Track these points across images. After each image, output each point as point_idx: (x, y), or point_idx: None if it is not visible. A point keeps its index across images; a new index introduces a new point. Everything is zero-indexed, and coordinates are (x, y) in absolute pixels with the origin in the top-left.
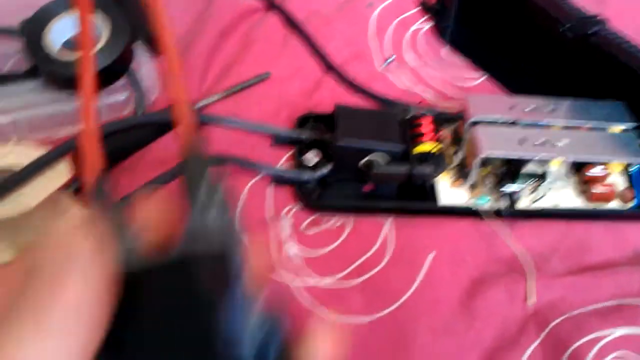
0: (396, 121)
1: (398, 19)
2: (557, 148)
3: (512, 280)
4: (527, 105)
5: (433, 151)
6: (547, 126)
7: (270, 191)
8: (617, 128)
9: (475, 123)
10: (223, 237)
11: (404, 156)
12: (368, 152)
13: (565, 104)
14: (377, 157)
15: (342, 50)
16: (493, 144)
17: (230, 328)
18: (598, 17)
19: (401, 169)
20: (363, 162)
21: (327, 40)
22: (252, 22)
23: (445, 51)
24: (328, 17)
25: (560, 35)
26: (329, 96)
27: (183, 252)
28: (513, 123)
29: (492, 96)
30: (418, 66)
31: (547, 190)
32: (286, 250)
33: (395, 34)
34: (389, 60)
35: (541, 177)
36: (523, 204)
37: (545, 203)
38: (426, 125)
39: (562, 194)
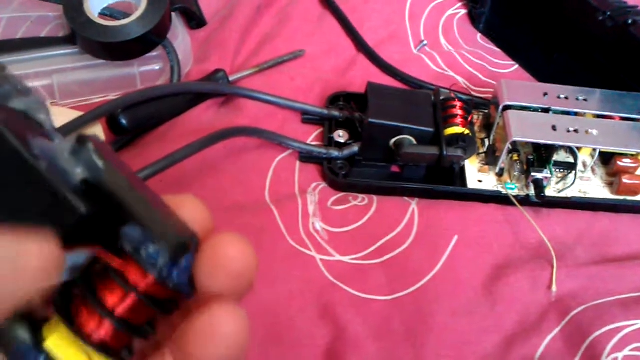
0: (428, 103)
1: (434, 2)
2: (588, 137)
3: (535, 267)
4: (560, 93)
5: (463, 134)
6: (579, 115)
7: (298, 167)
8: None
9: (507, 108)
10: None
11: (434, 138)
12: (398, 131)
13: (597, 94)
14: (407, 137)
15: (377, 31)
16: (524, 129)
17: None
18: (637, 7)
19: (431, 150)
20: (393, 142)
21: (363, 20)
22: (285, 1)
23: (479, 37)
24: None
25: (599, 23)
26: (362, 76)
27: None
28: (545, 110)
29: (525, 83)
30: (452, 51)
31: (575, 179)
32: (312, 224)
33: (430, 18)
34: (422, 44)
35: (570, 166)
36: (550, 192)
37: (572, 192)
38: (458, 109)
39: (589, 184)
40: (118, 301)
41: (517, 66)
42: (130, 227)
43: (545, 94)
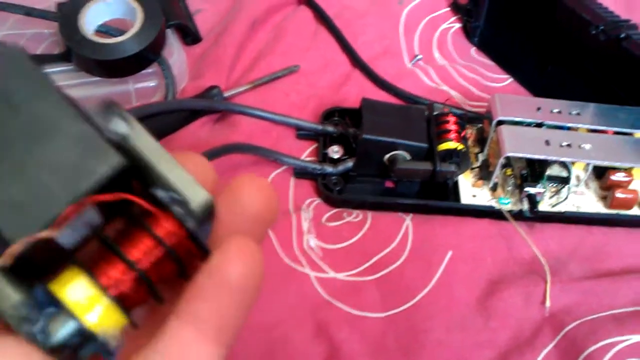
0: (422, 118)
1: (428, 17)
2: (581, 151)
3: (529, 282)
4: (553, 107)
5: (457, 149)
6: (573, 129)
7: (292, 183)
8: None
9: (500, 122)
10: None
11: (428, 153)
12: (393, 147)
13: (591, 108)
14: (401, 153)
15: (371, 46)
16: (517, 144)
17: None
18: (630, 22)
19: (425, 165)
20: (387, 157)
21: (357, 35)
22: (284, 15)
23: (473, 51)
24: (359, 12)
25: (593, 37)
26: (357, 91)
27: None
28: (538, 125)
29: (519, 97)
30: (446, 65)
31: (569, 194)
32: (306, 241)
33: (425, 32)
34: (416, 59)
35: (563, 181)
36: (544, 206)
37: (566, 207)
38: (451, 124)
39: (583, 199)
40: (144, 253)
41: (511, 80)
42: (159, 189)
43: (539, 109)
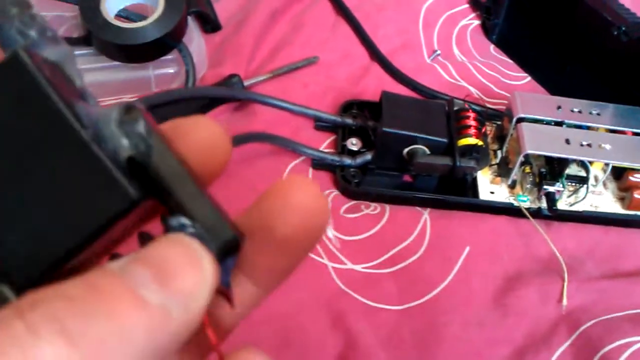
0: (442, 113)
1: (448, 13)
2: (601, 151)
3: (546, 280)
4: (573, 106)
5: (477, 145)
6: (592, 129)
7: (311, 174)
8: None
9: (520, 120)
10: None
11: (448, 148)
12: (412, 140)
13: (610, 109)
14: (421, 147)
15: (391, 39)
16: (537, 142)
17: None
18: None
19: (444, 160)
20: (406, 151)
21: (377, 28)
22: (304, 6)
23: (492, 49)
24: (379, 5)
25: (614, 38)
26: (375, 84)
27: None
28: (558, 123)
29: (539, 95)
30: (465, 61)
31: (587, 193)
32: (324, 232)
33: (444, 28)
34: (435, 54)
35: (582, 180)
36: (562, 205)
37: (584, 206)
38: (471, 120)
39: (601, 199)
40: None
41: (529, 78)
42: (176, 219)
43: (559, 107)
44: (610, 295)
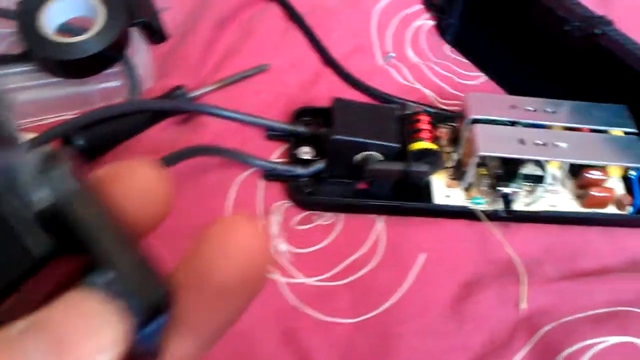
0: (394, 117)
1: (401, 13)
2: (556, 150)
3: (504, 283)
4: (528, 105)
5: (430, 149)
6: (547, 127)
7: (261, 185)
8: (619, 132)
9: (474, 121)
10: None
11: (401, 153)
12: (364, 147)
13: (566, 106)
14: (373, 154)
15: (343, 43)
16: (491, 143)
17: None
18: (605, 18)
19: (397, 166)
20: (359, 158)
21: (329, 32)
22: (253, 12)
23: (447, 49)
24: (330, 9)
25: (566, 34)
26: (328, 90)
27: None
28: (513, 123)
29: (493, 95)
30: (419, 63)
31: (544, 193)
32: (276, 246)
33: (397, 29)
34: (389, 56)
35: (538, 180)
36: (519, 206)
37: (541, 206)
38: (424, 123)
39: (558, 198)
40: None
41: (486, 78)
42: (94, 274)
43: (513, 107)
44: (570, 297)
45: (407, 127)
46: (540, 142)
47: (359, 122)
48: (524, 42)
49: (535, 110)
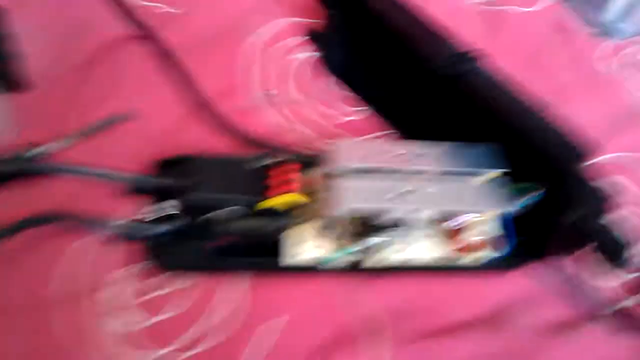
0: (257, 169)
1: (283, 47)
2: (423, 197)
3: (369, 341)
4: (395, 150)
5: (291, 202)
6: (414, 173)
7: (115, 248)
8: (488, 174)
9: (335, 171)
10: None
11: (259, 209)
12: (224, 204)
13: (434, 149)
14: (234, 209)
15: (218, 82)
16: (354, 195)
17: None
18: (473, 54)
19: (258, 222)
20: (218, 215)
21: (202, 70)
22: (119, 53)
23: (329, 85)
24: (205, 45)
25: (432, 73)
26: (199, 135)
27: None
28: (377, 171)
29: (357, 142)
30: (300, 100)
31: (411, 242)
32: (125, 317)
33: (279, 64)
34: (266, 94)
35: (404, 228)
36: (385, 257)
37: (410, 254)
38: (292, 173)
39: (426, 246)
40: None
41: (368, 114)
42: None
43: (382, 153)
44: (434, 353)
45: (273, 178)
46: (406, 191)
47: (218, 177)
48: (401, 78)
49: (402, 155)
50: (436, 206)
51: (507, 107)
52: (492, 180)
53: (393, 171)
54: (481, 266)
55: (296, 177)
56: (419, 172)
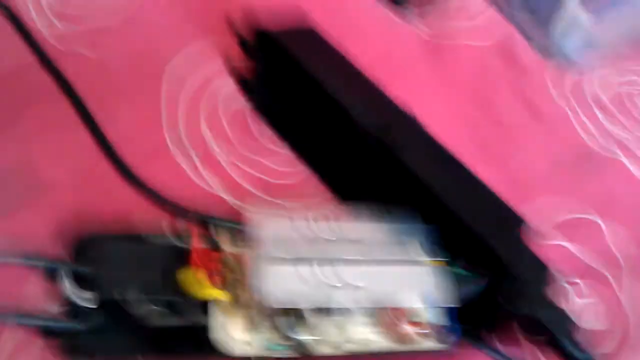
0: (171, 255)
1: (211, 96)
2: (354, 289)
3: None
4: (325, 233)
5: (212, 295)
6: (348, 264)
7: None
8: (427, 262)
9: (261, 258)
10: None
11: (180, 303)
12: (136, 302)
13: (375, 226)
14: (151, 308)
15: (136, 141)
16: (278, 288)
17: None
18: (403, 119)
19: (177, 320)
20: (135, 314)
21: (112, 122)
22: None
23: (262, 139)
24: (120, 93)
25: (358, 140)
26: (114, 204)
27: None
28: (304, 260)
29: (283, 222)
30: (228, 159)
31: (348, 331)
32: None
33: (204, 115)
34: (187, 150)
35: (341, 315)
36: (319, 348)
37: (349, 346)
38: (207, 259)
39: (364, 333)
40: None
41: (304, 174)
42: None
43: (310, 240)
44: None
45: (186, 265)
46: (336, 282)
47: (135, 266)
48: (331, 135)
49: (333, 239)
50: (365, 299)
51: (440, 188)
52: (433, 268)
53: (324, 260)
54: (427, 355)
55: (212, 265)
56: (353, 262)
